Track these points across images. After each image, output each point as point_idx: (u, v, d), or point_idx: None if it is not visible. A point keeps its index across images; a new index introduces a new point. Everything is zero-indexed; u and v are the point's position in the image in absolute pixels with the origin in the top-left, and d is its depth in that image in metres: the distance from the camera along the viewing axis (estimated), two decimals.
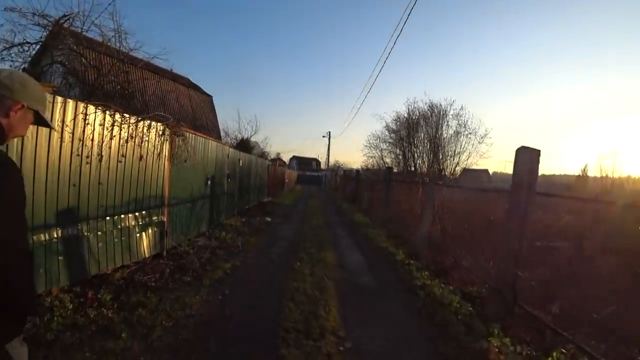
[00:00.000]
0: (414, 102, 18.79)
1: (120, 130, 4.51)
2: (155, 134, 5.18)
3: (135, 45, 10.79)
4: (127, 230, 4.73)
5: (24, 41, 9.61)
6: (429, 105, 18.86)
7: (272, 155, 63.45)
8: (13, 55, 9.21)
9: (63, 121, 3.73)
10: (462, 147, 17.44)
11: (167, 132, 5.44)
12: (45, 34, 9.63)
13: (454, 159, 17.70)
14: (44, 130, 3.53)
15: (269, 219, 10.97)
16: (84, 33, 10.16)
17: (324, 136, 50.22)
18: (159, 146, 5.27)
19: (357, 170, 19.17)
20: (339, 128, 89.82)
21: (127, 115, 4.63)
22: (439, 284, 5.23)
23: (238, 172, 10.80)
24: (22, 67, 9.57)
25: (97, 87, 10.96)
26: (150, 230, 5.19)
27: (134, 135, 4.73)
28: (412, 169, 18.31)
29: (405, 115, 19.00)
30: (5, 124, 1.16)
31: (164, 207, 5.47)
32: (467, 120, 17.20)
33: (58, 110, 3.66)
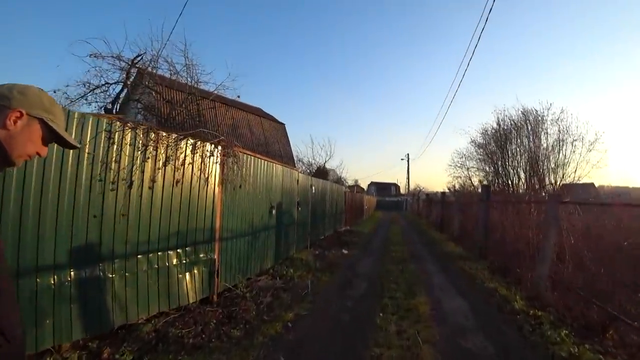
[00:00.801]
0: (504, 110, 16.27)
1: (156, 151, 3.76)
2: (202, 155, 4.38)
3: (205, 77, 10.88)
4: (165, 270, 3.87)
5: (105, 82, 10.18)
6: (522, 111, 16.14)
7: (350, 182, 62.93)
8: (97, 96, 9.78)
9: (81, 140, 3.03)
10: (568, 157, 14.28)
11: (217, 152, 4.63)
12: (123, 74, 10.12)
13: (557, 172, 14.56)
14: (54, 149, 2.84)
15: (345, 251, 9.68)
16: (156, 70, 10.49)
17: (402, 159, 48.08)
18: (207, 169, 4.45)
19: (443, 193, 16.98)
20: (417, 151, 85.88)
21: (164, 134, 3.89)
22: (595, 355, 3.37)
23: (310, 200, 9.83)
24: (104, 106, 10.12)
25: (170, 119, 11.17)
26: (196, 270, 4.30)
27: (173, 157, 3.95)
28: (507, 186, 15.57)
29: (495, 125, 16.51)
30: (3, 137, 0.97)
31: (214, 242, 4.58)
32: (569, 125, 14.13)
33: (74, 127, 2.97)
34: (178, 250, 4.07)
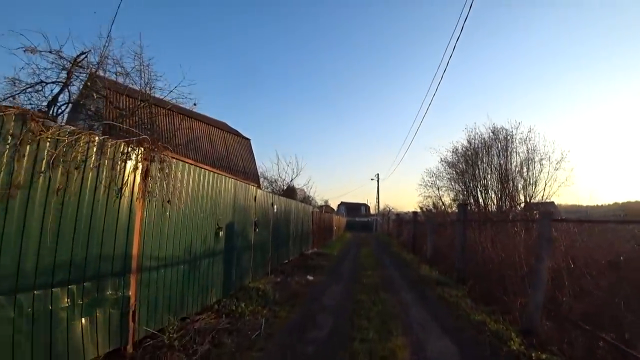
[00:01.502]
0: (475, 128, 16.15)
1: (38, 147, 2.65)
2: (114, 158, 3.28)
3: (161, 83, 9.83)
4: (46, 317, 2.69)
5: (40, 81, 8.89)
6: (492, 130, 16.07)
7: (319, 202, 62.02)
8: (29, 96, 8.47)
9: None
10: (536, 175, 14.22)
11: (137, 155, 3.55)
12: (63, 74, 8.90)
13: (527, 190, 14.42)
14: None
15: (310, 277, 8.60)
16: (104, 72, 9.36)
17: (372, 179, 47.98)
18: (121, 177, 3.36)
19: (415, 212, 16.39)
20: (386, 171, 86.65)
21: (52, 124, 2.80)
22: None
23: (272, 220, 8.77)
24: (38, 108, 8.80)
25: (116, 127, 9.95)
26: (99, 313, 3.13)
27: (68, 158, 2.85)
28: (478, 205, 15.24)
29: (466, 143, 16.33)
30: None
31: (128, 274, 3.43)
32: (536, 144, 14.16)
33: None
34: (70, 287, 2.90)
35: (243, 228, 6.65)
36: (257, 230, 7.40)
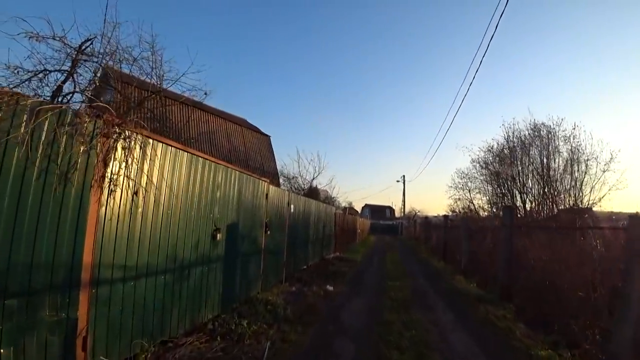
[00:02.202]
0: (514, 124, 14.63)
1: None
2: (56, 130, 2.41)
3: (173, 75, 9.17)
4: None
5: (44, 69, 8.42)
6: (533, 126, 14.47)
7: (343, 204, 60.76)
8: (32, 84, 7.97)
9: None
10: (581, 178, 12.53)
11: (94, 128, 2.66)
12: (67, 62, 8.38)
13: (571, 194, 12.75)
14: None
15: (330, 287, 7.58)
16: (111, 62, 8.84)
17: (397, 181, 46.41)
18: (67, 157, 2.48)
19: (446, 216, 15.03)
20: (413, 173, 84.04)
21: None
22: None
23: (288, 221, 7.84)
24: (42, 97, 8.36)
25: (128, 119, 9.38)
26: (29, 342, 2.25)
27: None
28: (516, 209, 13.73)
29: (502, 141, 14.86)
30: None
31: (76, 289, 2.54)
32: (580, 143, 12.52)
33: None
34: None
35: (250, 230, 5.73)
36: (268, 232, 6.47)
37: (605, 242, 4.78)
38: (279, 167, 17.38)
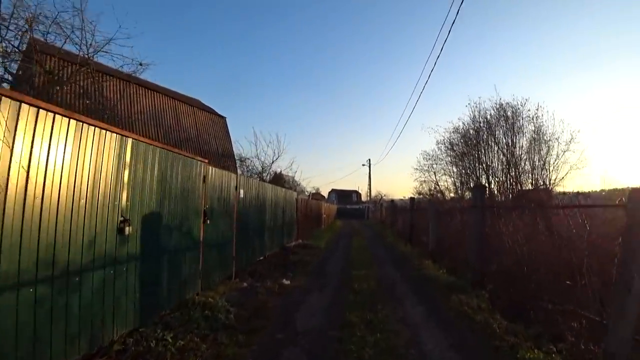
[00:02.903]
0: (480, 103, 14.22)
1: None
2: None
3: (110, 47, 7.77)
4: None
5: None
6: (499, 106, 14.12)
7: (309, 189, 59.95)
8: None
9: None
10: (543, 158, 12.41)
11: None
12: None
13: (534, 174, 12.62)
14: None
15: (287, 281, 6.71)
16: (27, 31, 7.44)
17: (363, 164, 46.12)
18: None
19: (412, 198, 14.56)
20: (379, 156, 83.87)
21: None
22: None
23: (236, 208, 6.82)
24: None
25: (48, 93, 7.91)
26: None
27: None
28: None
29: (469, 121, 14.46)
30: None
31: None
32: (542, 123, 12.39)
33: None
34: None
35: (182, 220, 4.67)
36: (208, 222, 5.43)
37: (593, 223, 4.19)
38: (236, 151, 16.12)
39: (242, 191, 7.06)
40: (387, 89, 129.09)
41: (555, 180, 11.66)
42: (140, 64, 8.63)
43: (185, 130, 13.16)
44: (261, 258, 8.72)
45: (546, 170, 12.02)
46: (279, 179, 33.20)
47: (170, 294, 4.38)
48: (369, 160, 44.70)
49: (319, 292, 5.97)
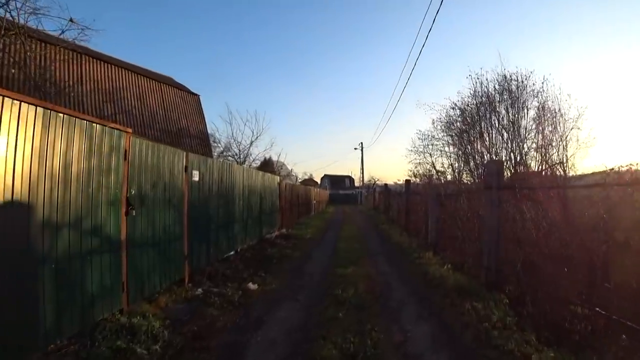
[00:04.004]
0: (483, 74, 12.68)
1: None
2: None
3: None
4: None
5: None
6: (502, 78, 12.58)
7: (300, 175, 58.43)
8: None
9: None
10: (548, 136, 11.00)
11: None
12: None
13: (542, 153, 11.24)
14: None
15: (254, 285, 5.32)
16: None
17: (355, 148, 44.59)
18: None
19: (407, 181, 13.17)
20: (371, 140, 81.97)
21: None
22: None
23: (189, 195, 5.36)
24: None
25: None
26: None
27: None
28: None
29: (470, 94, 12.97)
30: None
31: None
32: (546, 98, 10.93)
33: None
34: None
35: (84, 213, 3.20)
36: (134, 213, 3.96)
37: None
38: (210, 132, 14.44)
39: (196, 173, 5.57)
40: (379, 65, 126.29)
41: (561, 159, 10.29)
42: (71, 20, 7.00)
43: (149, 109, 11.52)
44: (231, 253, 7.31)
45: (558, 148, 10.61)
46: (268, 165, 31.64)
47: (60, 320, 2.95)
48: (361, 143, 43.21)
49: (292, 303, 4.58)
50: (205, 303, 4.49)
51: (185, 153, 5.29)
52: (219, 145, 14.16)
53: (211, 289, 5.13)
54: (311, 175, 67.12)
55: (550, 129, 10.82)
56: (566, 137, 9.43)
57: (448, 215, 7.97)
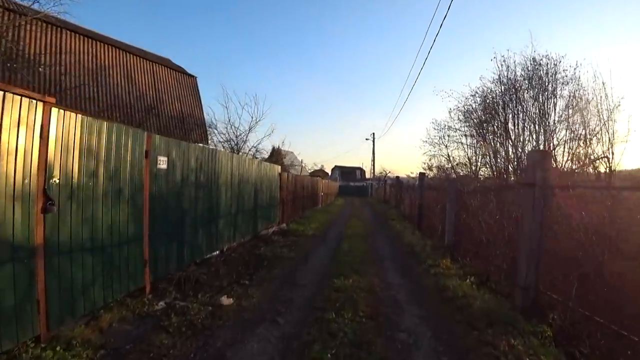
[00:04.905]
0: (510, 57, 11.22)
1: None
2: None
3: None
4: None
5: None
6: (533, 61, 11.11)
7: (309, 165, 57.30)
8: None
9: None
10: (579, 130, 9.56)
11: None
12: None
13: (572, 147, 9.83)
14: None
15: (229, 300, 4.30)
16: None
17: (367, 139, 43.17)
18: None
19: (422, 174, 11.97)
20: (383, 130, 79.88)
21: None
22: None
23: (152, 186, 4.37)
24: None
25: None
26: None
27: None
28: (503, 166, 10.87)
29: (495, 79, 11.59)
30: None
31: None
32: (579, 88, 9.48)
33: None
34: None
35: None
36: (56, 210, 2.95)
37: None
38: (206, 117, 13.32)
39: (162, 160, 4.54)
40: (392, 51, 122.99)
41: (608, 155, 8.91)
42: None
43: (137, 90, 10.53)
44: (214, 254, 6.33)
45: (598, 141, 9.22)
46: (277, 155, 30.54)
47: None
48: (373, 134, 41.84)
49: (271, 329, 3.53)
50: (159, 325, 3.50)
51: (145, 134, 4.25)
52: (215, 132, 13.07)
53: (176, 302, 4.14)
54: (322, 166, 66.00)
55: (579, 120, 9.46)
56: (611, 128, 8.06)
57: (469, 215, 6.81)
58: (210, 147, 11.42)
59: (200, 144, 6.96)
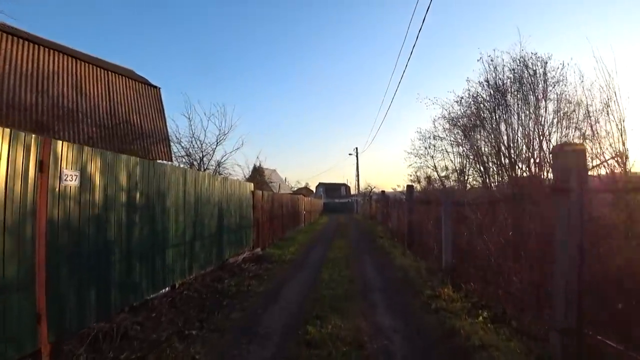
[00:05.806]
0: (498, 56, 10.57)
1: None
2: None
3: None
4: None
5: None
6: (522, 61, 10.47)
7: (292, 184, 56.04)
8: None
9: None
10: (571, 133, 8.92)
11: None
12: None
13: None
14: None
15: None
16: None
17: (350, 154, 42.42)
18: None
19: (410, 186, 10.98)
20: (366, 144, 79.50)
21: None
22: None
23: (48, 213, 3.16)
24: None
25: None
26: None
27: None
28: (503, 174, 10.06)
29: (482, 81, 10.91)
30: None
31: None
32: (563, 89, 8.96)
33: None
34: None
35: None
36: None
37: None
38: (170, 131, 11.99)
39: (72, 175, 3.35)
40: (373, 63, 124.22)
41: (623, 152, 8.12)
42: None
43: (90, 101, 9.30)
44: (162, 291, 5.06)
45: (609, 139, 8.44)
46: (258, 173, 29.24)
47: None
48: (356, 148, 40.98)
49: None
50: None
51: (40, 139, 3.07)
52: (177, 146, 11.66)
53: None
54: (307, 184, 64.83)
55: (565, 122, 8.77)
56: (623, 125, 7.26)
57: (472, 232, 5.77)
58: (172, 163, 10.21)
59: (147, 159, 5.78)
